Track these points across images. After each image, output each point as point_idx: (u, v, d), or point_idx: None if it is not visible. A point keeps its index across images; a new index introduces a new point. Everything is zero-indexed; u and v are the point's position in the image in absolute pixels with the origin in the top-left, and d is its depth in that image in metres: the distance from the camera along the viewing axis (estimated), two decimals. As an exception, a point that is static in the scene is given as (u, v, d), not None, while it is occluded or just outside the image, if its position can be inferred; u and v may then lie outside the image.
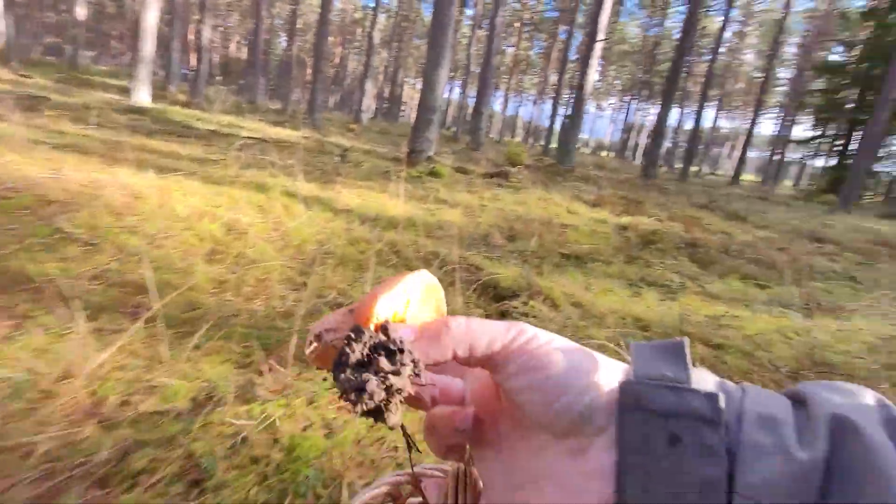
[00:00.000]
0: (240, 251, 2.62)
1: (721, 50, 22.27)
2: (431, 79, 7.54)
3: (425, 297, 0.27)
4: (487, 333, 0.23)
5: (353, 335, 0.22)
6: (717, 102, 40.85)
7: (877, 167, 16.80)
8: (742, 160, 22.60)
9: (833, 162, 20.13)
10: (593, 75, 10.46)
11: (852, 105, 19.35)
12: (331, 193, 4.53)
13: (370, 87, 19.72)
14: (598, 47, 10.00)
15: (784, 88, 34.49)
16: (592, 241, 4.47)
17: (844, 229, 7.38)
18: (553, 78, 37.15)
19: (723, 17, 19.82)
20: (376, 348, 0.22)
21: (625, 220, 5.34)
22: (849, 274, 4.77)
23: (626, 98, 46.95)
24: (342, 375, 0.22)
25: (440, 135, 17.70)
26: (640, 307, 3.03)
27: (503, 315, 2.63)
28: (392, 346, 0.22)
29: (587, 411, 0.22)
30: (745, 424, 0.20)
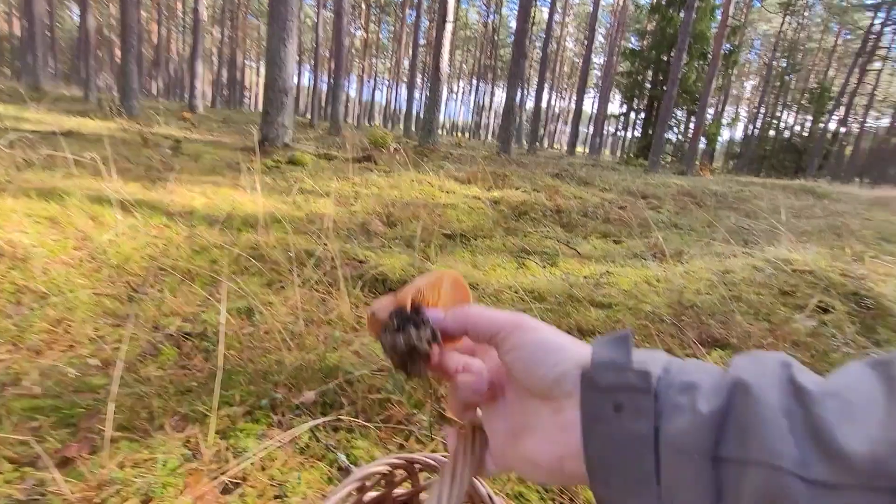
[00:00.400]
0: (19, 285, 1.85)
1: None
2: (278, 55, 6.68)
3: (453, 289, 0.37)
4: (493, 319, 0.32)
5: (395, 313, 0.33)
6: (549, 84, 45.78)
7: (668, 135, 20.69)
8: (575, 134, 25.82)
9: (639, 133, 24.31)
10: (447, 56, 10.58)
11: (650, 85, 23.46)
12: (162, 194, 3.66)
13: (202, 71, 17.06)
14: (449, 28, 10.11)
15: (598, 72, 40.26)
16: (472, 218, 4.45)
17: (657, 186, 8.82)
18: (406, 63, 37.24)
19: (549, 7, 21.97)
20: (408, 322, 0.32)
21: (496, 193, 5.48)
22: (673, 222, 5.67)
23: (475, 81, 49.65)
24: (383, 338, 0.33)
25: (297, 121, 16.30)
26: (528, 279, 3.08)
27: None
28: (420, 321, 0.33)
29: (559, 379, 0.29)
30: (670, 391, 0.25)
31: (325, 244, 2.78)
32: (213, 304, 2.17)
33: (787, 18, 34.91)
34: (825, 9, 35.93)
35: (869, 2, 31.64)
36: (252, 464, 1.05)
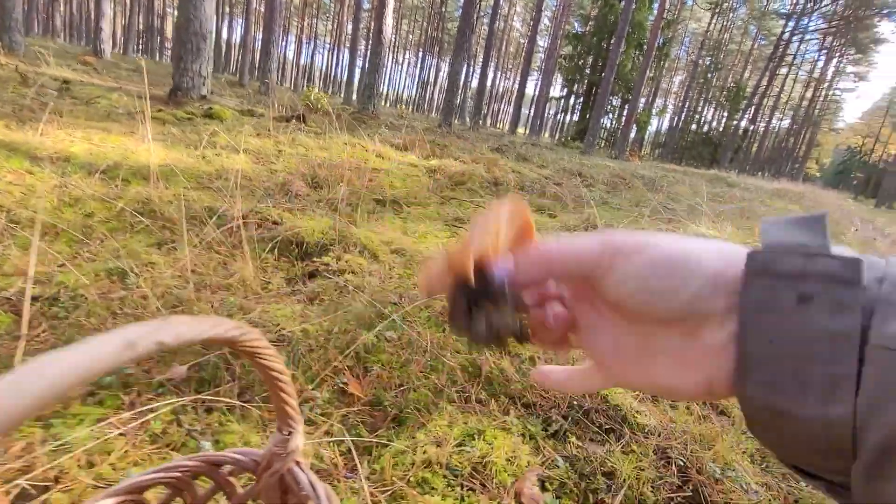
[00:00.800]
0: None
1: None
2: (191, -9, 5.83)
3: (513, 222, 0.28)
4: (581, 254, 0.25)
5: (460, 291, 0.26)
6: (494, 63, 45.69)
7: (604, 120, 21.56)
8: (517, 115, 26.10)
9: (577, 117, 25.08)
10: (391, 20, 9.98)
11: (590, 71, 24.13)
12: (29, 136, 3.03)
13: (111, 12, 14.82)
14: (391, -13, 9.50)
15: (542, 55, 40.78)
16: (406, 184, 4.22)
17: (592, 166, 9.10)
18: (349, 27, 35.27)
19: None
20: (482, 297, 0.25)
21: (434, 162, 5.28)
22: (604, 200, 5.83)
23: (421, 53, 48.26)
24: (456, 323, 0.27)
25: (224, 80, 14.73)
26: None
27: (311, 276, 2.12)
28: (494, 291, 0.25)
29: (693, 301, 0.23)
30: (884, 285, 0.20)
31: (233, 201, 2.42)
32: (80, 263, 1.78)
33: (715, 19, 37.39)
34: (748, 11, 38.87)
35: (782, 10, 34.66)
36: (73, 458, 0.79)
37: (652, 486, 1.00)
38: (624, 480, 1.00)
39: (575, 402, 1.22)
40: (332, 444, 1.00)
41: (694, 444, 1.11)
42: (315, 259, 2.24)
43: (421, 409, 1.18)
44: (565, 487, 0.99)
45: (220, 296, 1.72)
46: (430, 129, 10.71)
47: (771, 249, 0.22)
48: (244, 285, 1.85)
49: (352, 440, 1.04)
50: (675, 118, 40.58)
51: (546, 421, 1.17)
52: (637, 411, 1.21)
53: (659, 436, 1.14)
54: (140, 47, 36.66)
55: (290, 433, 0.36)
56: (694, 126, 37.08)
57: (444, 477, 1.00)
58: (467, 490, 0.97)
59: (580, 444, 1.10)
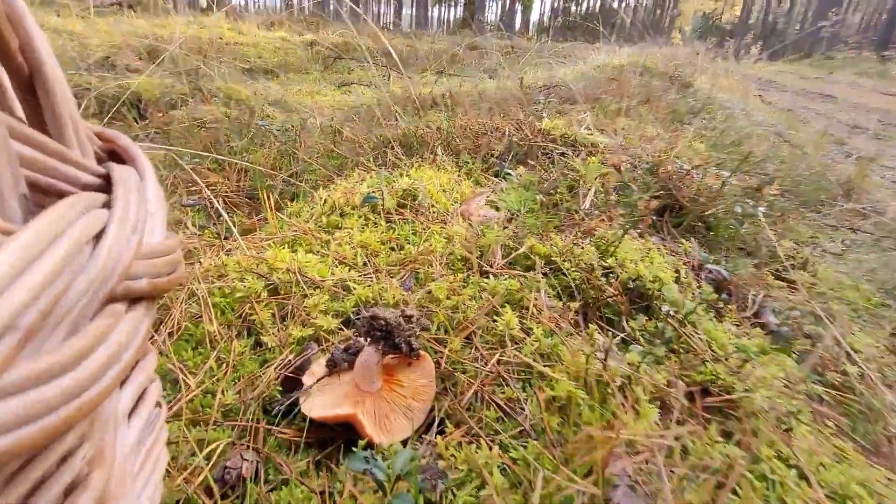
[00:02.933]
0: None
1: None
2: None
3: None
4: None
5: None
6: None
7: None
8: (399, 11, 23.84)
9: (462, 8, 23.62)
10: None
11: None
12: None
13: None
14: None
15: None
16: (279, 56, 3.53)
17: (484, 41, 8.66)
18: None
19: None
20: None
21: (309, 37, 4.49)
22: (500, 62, 5.56)
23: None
24: None
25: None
26: (351, 98, 2.55)
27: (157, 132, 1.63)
28: None
29: None
30: None
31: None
32: None
33: None
34: None
35: None
36: None
37: (616, 192, 0.86)
38: (588, 188, 0.83)
39: (514, 141, 1.01)
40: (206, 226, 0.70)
41: (654, 152, 0.98)
42: (161, 115, 1.72)
43: (319, 183, 0.90)
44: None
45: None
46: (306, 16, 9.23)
47: None
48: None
49: (228, 220, 0.74)
50: (556, 1, 40.11)
51: (484, 160, 0.96)
52: (586, 136, 1.05)
53: (612, 152, 0.99)
54: None
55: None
56: (574, 7, 37.18)
57: (360, 217, 0.76)
58: (397, 220, 0.74)
59: (531, 163, 0.91)
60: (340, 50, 4.15)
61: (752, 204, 0.92)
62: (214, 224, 0.92)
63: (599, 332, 0.58)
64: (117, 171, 0.20)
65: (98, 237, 0.16)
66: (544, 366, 0.49)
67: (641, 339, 0.61)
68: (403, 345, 0.43)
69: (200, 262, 0.62)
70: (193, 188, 0.97)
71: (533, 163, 1.02)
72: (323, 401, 0.42)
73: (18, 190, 0.15)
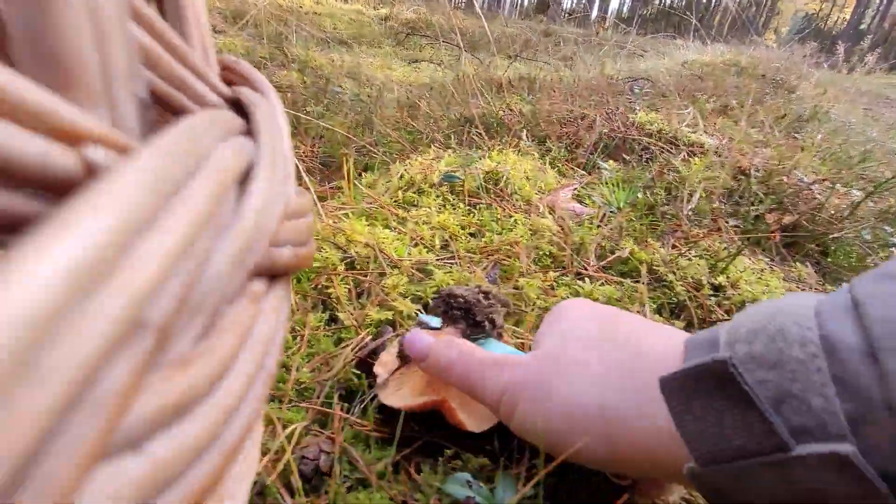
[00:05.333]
0: None
1: None
2: None
3: None
4: (479, 394, 0.31)
5: None
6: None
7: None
8: (474, -10, 23.39)
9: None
10: None
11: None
12: None
13: None
14: None
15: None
16: (354, 27, 3.54)
17: (559, 29, 8.35)
18: None
19: None
20: None
21: (384, 11, 4.48)
22: (575, 52, 5.32)
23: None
24: None
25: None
26: (423, 76, 2.50)
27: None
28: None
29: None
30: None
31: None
32: None
33: None
34: None
35: None
36: None
37: (725, 198, 0.75)
38: (691, 192, 0.74)
39: (604, 132, 0.92)
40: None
41: (766, 158, 0.86)
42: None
43: (395, 156, 0.86)
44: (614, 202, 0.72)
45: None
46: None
47: (718, 465, 0.20)
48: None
49: (308, 182, 0.71)
50: (639, -9, 37.84)
51: (569, 150, 0.88)
52: (688, 134, 0.94)
53: (719, 155, 0.88)
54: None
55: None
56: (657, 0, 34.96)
57: (438, 196, 0.70)
58: (477, 204, 0.68)
59: (626, 157, 0.82)
60: (413, 26, 4.11)
61: (891, 231, 0.79)
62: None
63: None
64: (253, 98, 0.16)
65: (243, 181, 0.11)
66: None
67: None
68: (486, 322, 0.39)
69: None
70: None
71: (628, 157, 0.93)
72: (402, 392, 0.38)
73: (136, 91, 0.11)
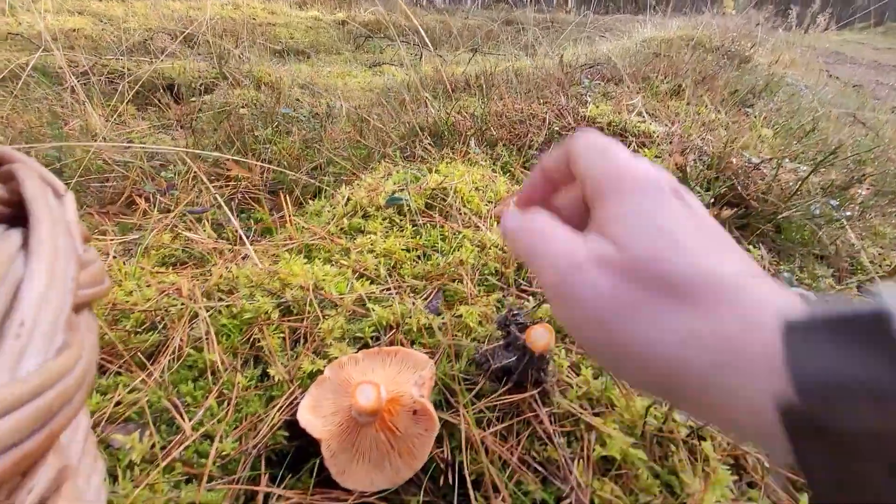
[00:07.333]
0: None
1: None
2: None
3: None
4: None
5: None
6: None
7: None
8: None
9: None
10: None
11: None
12: None
13: None
14: None
15: None
16: (311, 35, 3.47)
17: (520, 15, 8.31)
18: None
19: None
20: None
21: (340, 15, 4.41)
22: (537, 37, 5.30)
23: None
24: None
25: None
26: (383, 79, 2.46)
27: (188, 118, 1.62)
28: None
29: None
30: None
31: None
32: None
33: None
34: None
35: None
36: None
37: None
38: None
39: (555, 130, 0.91)
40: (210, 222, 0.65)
41: (715, 142, 0.86)
42: (193, 100, 1.70)
43: (341, 180, 0.84)
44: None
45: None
46: None
47: (818, 394, 0.16)
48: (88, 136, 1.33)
49: (237, 225, 0.69)
50: (598, -33, 38.01)
51: (522, 153, 0.87)
52: (637, 124, 0.94)
53: (670, 142, 0.87)
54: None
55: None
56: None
57: (384, 220, 0.69)
58: (424, 223, 0.67)
59: None
60: (372, 28, 4.05)
61: (836, 205, 0.79)
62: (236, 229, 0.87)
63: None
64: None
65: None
66: (594, 414, 0.41)
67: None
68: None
69: (210, 274, 0.57)
70: (214, 184, 0.93)
71: (576, 156, 0.92)
72: (316, 416, 0.37)
73: None
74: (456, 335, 0.48)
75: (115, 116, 1.56)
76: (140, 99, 1.75)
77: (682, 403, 0.20)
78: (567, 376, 0.43)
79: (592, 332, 0.21)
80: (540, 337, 0.40)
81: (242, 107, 1.46)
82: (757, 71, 2.49)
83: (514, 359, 0.41)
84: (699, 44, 3.05)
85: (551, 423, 0.39)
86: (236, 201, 0.88)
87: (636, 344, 0.20)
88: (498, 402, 0.40)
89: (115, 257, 0.66)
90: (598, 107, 1.16)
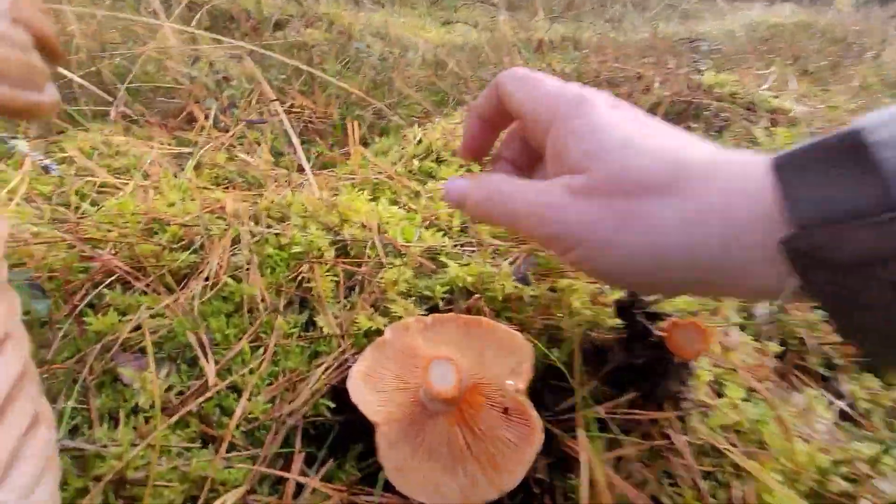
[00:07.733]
0: None
1: None
2: None
3: None
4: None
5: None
6: None
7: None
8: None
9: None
10: None
11: None
12: None
13: None
14: None
15: None
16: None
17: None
18: None
19: None
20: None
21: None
22: (616, 14, 4.90)
23: None
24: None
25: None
26: (456, 37, 2.33)
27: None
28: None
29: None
30: None
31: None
32: None
33: None
34: None
35: None
36: None
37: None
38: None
39: (664, 96, 0.76)
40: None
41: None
42: (266, 33, 1.64)
43: (415, 120, 0.74)
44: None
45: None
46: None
47: (820, 225, 0.17)
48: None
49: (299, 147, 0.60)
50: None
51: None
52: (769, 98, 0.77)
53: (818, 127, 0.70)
54: None
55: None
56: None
57: (461, 167, 0.58)
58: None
59: (692, 125, 0.66)
60: (450, -15, 3.86)
61: None
62: (296, 152, 0.80)
63: (816, 393, 0.36)
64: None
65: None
66: (743, 452, 0.30)
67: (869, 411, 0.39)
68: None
69: (262, 197, 0.49)
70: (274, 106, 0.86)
71: (695, 125, 0.76)
72: (371, 390, 0.28)
73: None
74: (556, 315, 0.37)
75: (191, 42, 1.53)
76: (217, 28, 1.72)
77: (698, 286, 0.23)
78: (705, 394, 0.32)
79: (606, 260, 0.22)
80: (691, 340, 0.28)
81: (312, 45, 1.38)
82: (891, 66, 2.14)
83: (643, 360, 0.30)
84: (823, 33, 2.66)
85: (693, 459, 0.28)
86: (298, 131, 0.80)
87: (645, 245, 0.21)
88: (617, 415, 0.29)
89: (164, 168, 0.60)
90: (716, 76, 0.98)
